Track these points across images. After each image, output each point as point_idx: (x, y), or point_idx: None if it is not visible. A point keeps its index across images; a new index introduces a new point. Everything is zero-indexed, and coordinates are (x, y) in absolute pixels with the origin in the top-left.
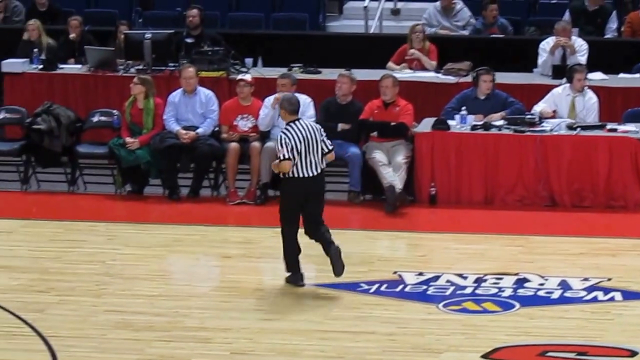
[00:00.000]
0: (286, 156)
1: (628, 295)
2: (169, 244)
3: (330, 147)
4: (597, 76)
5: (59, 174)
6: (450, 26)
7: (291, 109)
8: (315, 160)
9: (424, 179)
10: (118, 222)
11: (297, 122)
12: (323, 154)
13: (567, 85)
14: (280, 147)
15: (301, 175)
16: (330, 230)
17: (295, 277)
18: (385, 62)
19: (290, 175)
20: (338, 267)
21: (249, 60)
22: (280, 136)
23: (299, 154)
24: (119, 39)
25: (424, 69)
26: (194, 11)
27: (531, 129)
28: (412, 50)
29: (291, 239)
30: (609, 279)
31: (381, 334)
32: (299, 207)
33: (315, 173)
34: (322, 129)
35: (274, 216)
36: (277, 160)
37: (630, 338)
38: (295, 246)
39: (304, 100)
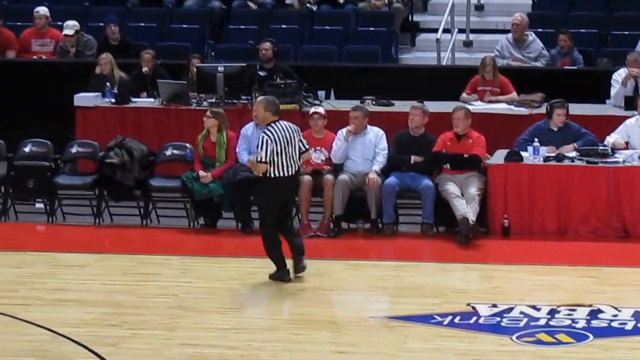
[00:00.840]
0: (264, 159)
1: None
2: (241, 277)
3: (307, 147)
4: None
5: (132, 207)
6: (522, 58)
7: (275, 110)
8: (294, 160)
9: (497, 211)
10: (191, 255)
11: (278, 123)
12: (300, 153)
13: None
14: (260, 149)
15: (281, 174)
16: (405, 263)
17: (281, 272)
18: (457, 94)
19: (273, 175)
20: (300, 265)
21: (321, 93)
22: (263, 137)
23: (279, 154)
24: (191, 72)
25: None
26: (267, 44)
27: (604, 160)
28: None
29: (273, 236)
30: None
31: None
32: (279, 204)
33: (293, 172)
34: (299, 129)
35: (348, 249)
36: (254, 159)
37: None
38: (277, 241)
39: (377, 132)
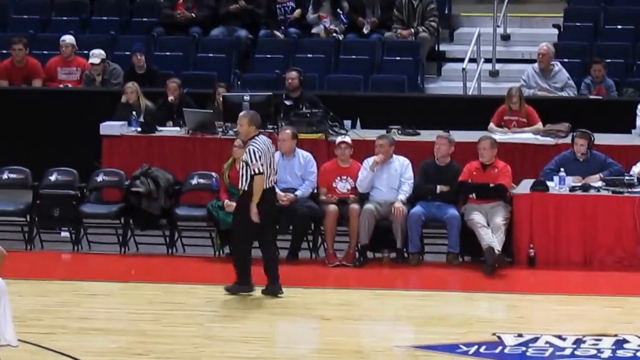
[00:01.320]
0: (260, 170)
1: None
2: (267, 306)
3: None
4: None
5: (158, 236)
6: (548, 88)
7: (258, 124)
8: (272, 172)
9: (523, 240)
10: (216, 284)
11: (260, 136)
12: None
13: None
14: (254, 160)
15: (266, 187)
16: (431, 292)
17: (244, 287)
18: (483, 124)
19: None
20: (275, 287)
21: (347, 122)
22: (252, 149)
23: (263, 165)
24: (217, 101)
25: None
26: (293, 73)
27: (630, 190)
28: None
29: (249, 251)
30: None
31: None
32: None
33: (273, 184)
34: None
35: (373, 278)
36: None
37: None
38: (250, 256)
39: (403, 161)
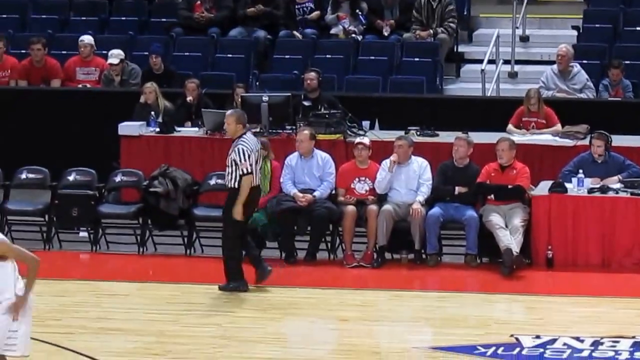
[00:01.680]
0: (249, 170)
1: None
2: (285, 307)
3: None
4: None
5: (176, 236)
6: (567, 89)
7: (244, 123)
8: (258, 171)
9: (541, 242)
10: None
11: (248, 134)
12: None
13: None
14: (242, 160)
15: (254, 184)
16: (448, 293)
17: (239, 283)
18: (501, 125)
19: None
20: (267, 270)
21: (365, 123)
22: (241, 148)
23: (253, 164)
24: (235, 101)
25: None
26: (312, 74)
27: None
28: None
29: (238, 247)
30: None
31: None
32: (249, 215)
33: (258, 183)
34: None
35: (391, 279)
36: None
37: None
38: (241, 253)
39: (421, 163)
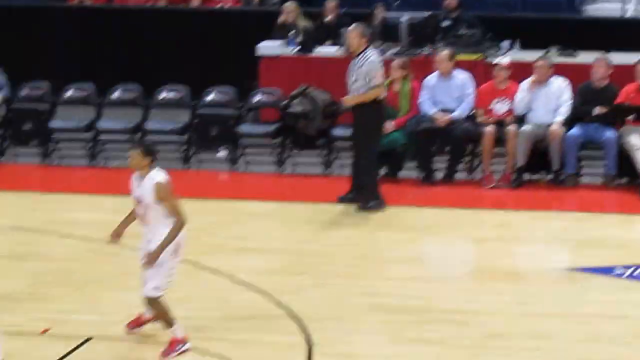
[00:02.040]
0: (380, 82)
1: None
2: (422, 228)
3: None
4: None
5: (315, 156)
6: None
7: (368, 37)
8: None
9: None
10: None
11: (372, 49)
12: None
13: None
14: (375, 72)
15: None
16: (587, 214)
17: (380, 201)
18: None
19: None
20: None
21: (505, 44)
22: (376, 60)
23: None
24: (375, 21)
25: None
26: None
27: None
28: None
29: (376, 166)
30: None
31: (635, 319)
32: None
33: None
34: None
35: (530, 200)
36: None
37: None
38: (377, 172)
39: (561, 83)
